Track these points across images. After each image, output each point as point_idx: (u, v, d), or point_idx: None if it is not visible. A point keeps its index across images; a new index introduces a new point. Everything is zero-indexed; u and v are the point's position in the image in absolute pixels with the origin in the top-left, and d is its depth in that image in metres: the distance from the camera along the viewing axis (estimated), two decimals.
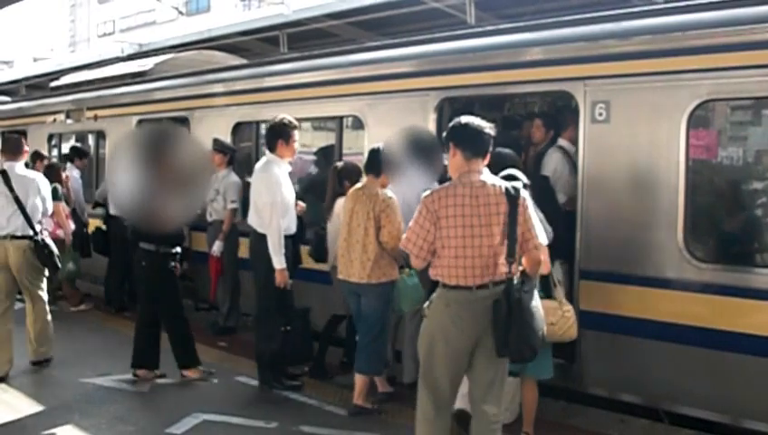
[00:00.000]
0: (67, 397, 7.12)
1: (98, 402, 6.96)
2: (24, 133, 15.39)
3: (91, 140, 13.81)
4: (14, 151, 7.98)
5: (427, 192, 4.83)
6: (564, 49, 6.96)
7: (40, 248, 7.71)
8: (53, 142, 14.48)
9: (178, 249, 7.59)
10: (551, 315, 5.41)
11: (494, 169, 5.09)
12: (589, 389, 6.80)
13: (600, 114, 6.58)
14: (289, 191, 7.14)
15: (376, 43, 9.77)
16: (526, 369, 5.69)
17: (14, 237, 7.64)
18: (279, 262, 6.95)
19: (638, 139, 6.40)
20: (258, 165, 7.42)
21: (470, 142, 4.81)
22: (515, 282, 4.65)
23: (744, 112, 6.38)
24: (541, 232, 4.80)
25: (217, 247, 9.34)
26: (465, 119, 4.96)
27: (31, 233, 7.68)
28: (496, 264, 4.66)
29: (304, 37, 13.01)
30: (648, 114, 6.35)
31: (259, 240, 7.08)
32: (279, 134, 7.16)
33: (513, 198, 4.65)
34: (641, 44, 6.44)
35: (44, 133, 14.61)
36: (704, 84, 6.05)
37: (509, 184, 4.75)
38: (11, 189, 7.63)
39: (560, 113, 7.91)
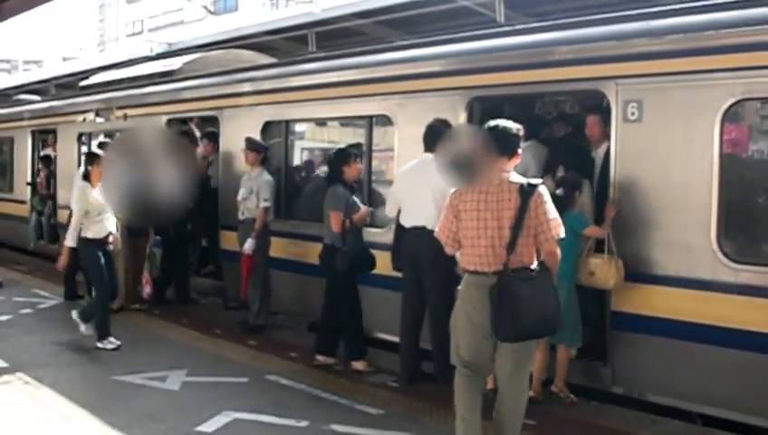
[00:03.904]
0: (98, 394, 7.19)
1: (129, 400, 7.00)
2: (53, 132, 15.65)
3: None
4: None
5: (453, 189, 5.24)
6: (596, 48, 6.92)
7: None
8: (83, 141, 14.60)
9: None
10: (607, 267, 6.47)
11: None
12: (619, 390, 6.77)
13: (633, 113, 6.55)
14: None
15: (405, 42, 9.75)
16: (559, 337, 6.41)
17: None
18: None
19: (671, 138, 6.35)
20: (421, 165, 7.27)
21: (497, 143, 5.10)
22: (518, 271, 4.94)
23: None
24: (557, 226, 5.03)
25: (249, 245, 9.34)
26: (494, 121, 5.29)
27: None
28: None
29: (333, 36, 13.00)
30: (682, 113, 6.30)
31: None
32: (440, 134, 6.97)
33: (525, 194, 4.96)
34: (674, 43, 6.39)
35: (74, 132, 14.76)
36: (738, 83, 6.00)
37: (526, 181, 5.05)
38: None
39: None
